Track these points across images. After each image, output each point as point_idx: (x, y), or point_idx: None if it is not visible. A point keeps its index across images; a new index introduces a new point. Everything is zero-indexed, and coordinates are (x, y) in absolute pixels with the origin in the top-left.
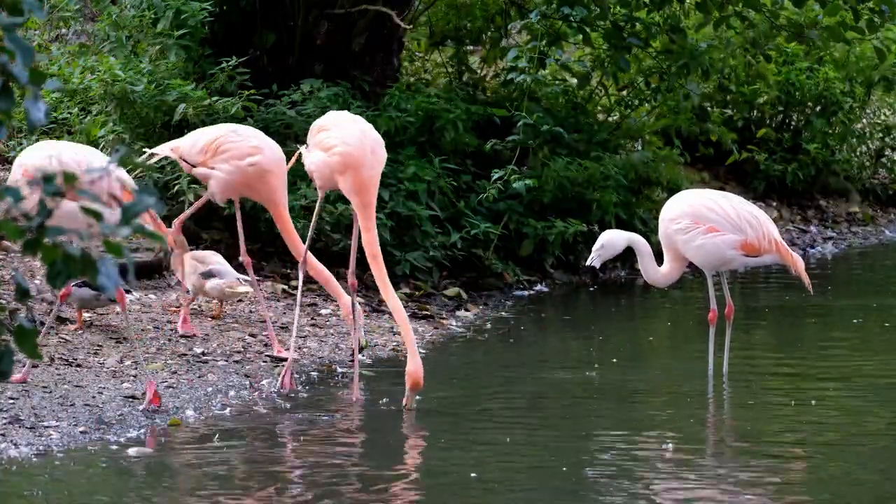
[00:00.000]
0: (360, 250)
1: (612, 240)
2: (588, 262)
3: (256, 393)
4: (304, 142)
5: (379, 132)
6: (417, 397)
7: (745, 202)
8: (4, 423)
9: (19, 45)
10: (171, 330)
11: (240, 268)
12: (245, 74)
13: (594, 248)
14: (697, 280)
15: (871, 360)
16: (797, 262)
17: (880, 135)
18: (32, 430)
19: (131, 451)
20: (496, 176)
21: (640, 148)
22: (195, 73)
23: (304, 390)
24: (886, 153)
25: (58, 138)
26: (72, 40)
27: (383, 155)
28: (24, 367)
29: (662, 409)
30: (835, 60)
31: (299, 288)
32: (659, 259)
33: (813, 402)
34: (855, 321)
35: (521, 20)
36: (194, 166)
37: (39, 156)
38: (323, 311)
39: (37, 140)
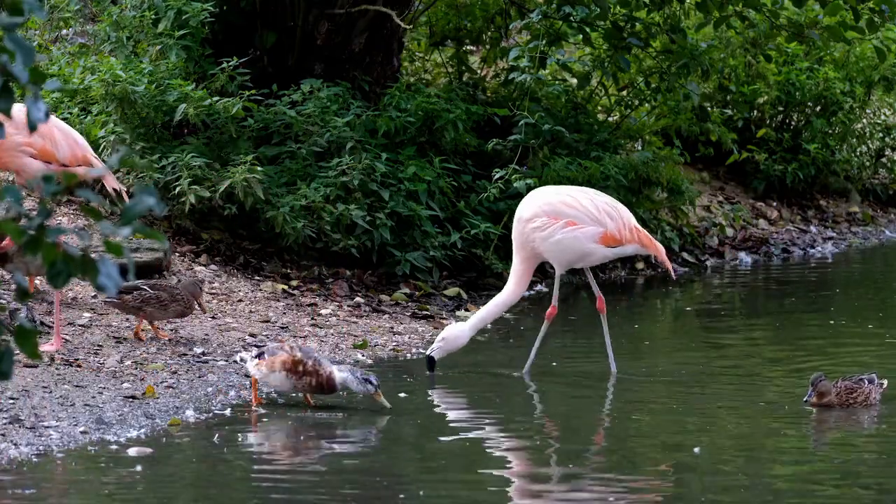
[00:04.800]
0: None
1: (458, 336)
2: (428, 352)
3: None
4: (303, 141)
5: (379, 132)
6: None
7: (601, 194)
8: (4, 423)
9: (19, 45)
10: (171, 330)
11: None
12: (245, 74)
13: (437, 339)
14: (698, 281)
15: (872, 360)
16: (659, 250)
17: (880, 135)
18: (32, 430)
19: (131, 451)
20: (497, 175)
21: (640, 148)
22: (196, 73)
23: None
24: (886, 153)
25: None
26: (73, 40)
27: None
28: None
29: (661, 410)
30: (835, 60)
31: None
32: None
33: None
34: (855, 321)
35: (522, 20)
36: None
37: None
38: (323, 311)
39: None
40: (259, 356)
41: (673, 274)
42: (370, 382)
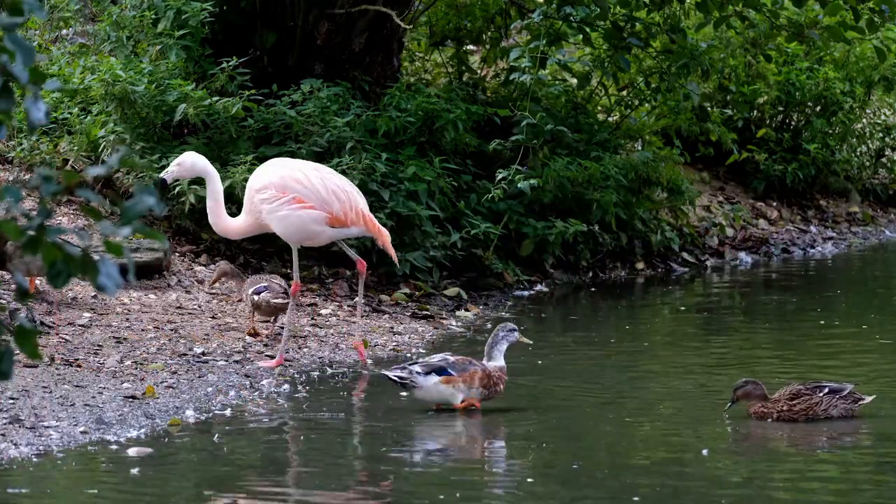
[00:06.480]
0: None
1: (194, 163)
2: (162, 174)
3: (256, 393)
4: (303, 141)
5: (379, 132)
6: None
7: (334, 173)
8: (4, 423)
9: (19, 45)
10: (172, 330)
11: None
12: (245, 74)
13: (173, 163)
14: (698, 282)
15: (871, 361)
16: (383, 235)
17: (880, 135)
18: (32, 430)
19: (131, 451)
20: (501, 176)
21: (640, 148)
22: (196, 73)
23: (304, 390)
24: (886, 153)
25: (58, 138)
26: (73, 40)
27: None
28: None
29: (658, 410)
30: (835, 60)
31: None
32: None
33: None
34: (854, 321)
35: (522, 20)
36: None
37: None
38: (323, 311)
39: (37, 140)
40: (440, 374)
41: (396, 262)
42: (514, 331)
